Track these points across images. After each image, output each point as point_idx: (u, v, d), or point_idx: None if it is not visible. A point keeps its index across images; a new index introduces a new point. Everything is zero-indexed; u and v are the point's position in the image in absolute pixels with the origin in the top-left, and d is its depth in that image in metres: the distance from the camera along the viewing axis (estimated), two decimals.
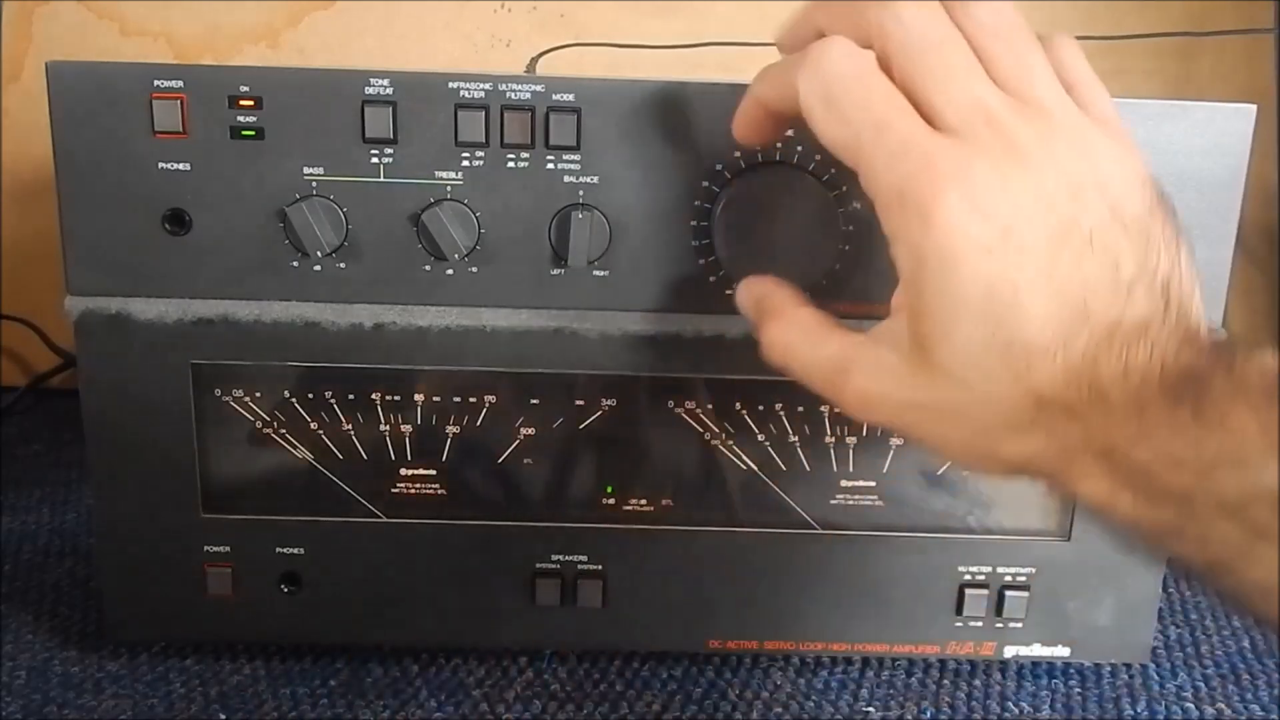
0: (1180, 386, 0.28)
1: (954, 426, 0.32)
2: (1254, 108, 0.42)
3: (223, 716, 0.46)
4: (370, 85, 0.41)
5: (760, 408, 0.46)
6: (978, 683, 0.50)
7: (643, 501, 0.48)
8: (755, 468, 0.47)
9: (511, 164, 0.42)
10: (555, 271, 0.43)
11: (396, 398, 0.46)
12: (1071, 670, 0.51)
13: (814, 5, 0.35)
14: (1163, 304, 0.30)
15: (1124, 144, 0.33)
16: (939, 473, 0.48)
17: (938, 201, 0.30)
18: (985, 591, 0.48)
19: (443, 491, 0.47)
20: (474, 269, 0.43)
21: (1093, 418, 0.29)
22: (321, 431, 0.47)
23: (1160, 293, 0.30)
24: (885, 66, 0.32)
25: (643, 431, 0.47)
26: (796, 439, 0.47)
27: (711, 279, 0.43)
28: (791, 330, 0.37)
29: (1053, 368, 0.30)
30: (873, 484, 0.48)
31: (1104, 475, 0.30)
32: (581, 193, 0.42)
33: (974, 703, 0.49)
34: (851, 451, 0.47)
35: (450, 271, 0.43)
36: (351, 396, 0.46)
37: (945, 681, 0.50)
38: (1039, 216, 0.30)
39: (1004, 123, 0.31)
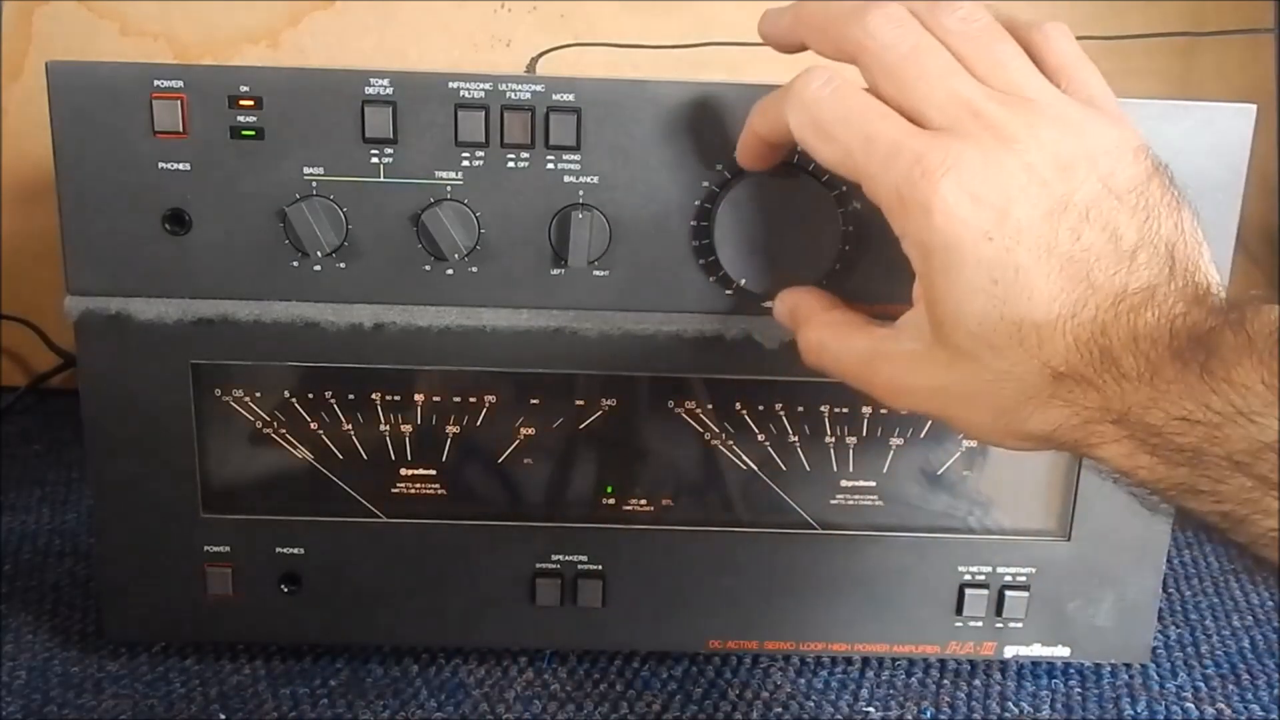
0: (1190, 347, 0.29)
1: (978, 407, 0.33)
2: (1254, 108, 0.42)
3: (223, 716, 0.46)
4: (370, 85, 0.41)
5: (760, 408, 0.46)
6: (978, 683, 0.50)
7: (643, 501, 0.48)
8: (755, 468, 0.47)
9: (511, 164, 0.42)
10: (555, 271, 0.43)
11: (396, 398, 0.46)
12: (1071, 670, 0.51)
13: (796, 20, 0.37)
14: (1168, 268, 0.31)
15: (1113, 119, 0.34)
16: (939, 473, 0.48)
17: (935, 194, 0.31)
18: (985, 591, 0.48)
19: (443, 491, 0.47)
20: (474, 269, 0.43)
21: (1107, 385, 0.30)
22: (321, 431, 0.47)
23: (1164, 257, 0.31)
24: (871, 81, 0.34)
25: (643, 431, 0.47)
26: (796, 439, 0.47)
27: (711, 279, 0.43)
28: (823, 331, 0.38)
29: (1063, 341, 0.31)
30: (873, 484, 0.48)
31: (1122, 440, 0.30)
32: (581, 193, 0.42)
33: (974, 703, 0.49)
34: (851, 451, 0.47)
35: (450, 271, 0.43)
36: (351, 396, 0.46)
37: (945, 681, 0.50)
38: (1032, 196, 0.31)
39: (987, 112, 0.32)
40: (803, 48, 0.37)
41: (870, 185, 0.33)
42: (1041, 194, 0.31)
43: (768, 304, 0.43)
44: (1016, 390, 0.32)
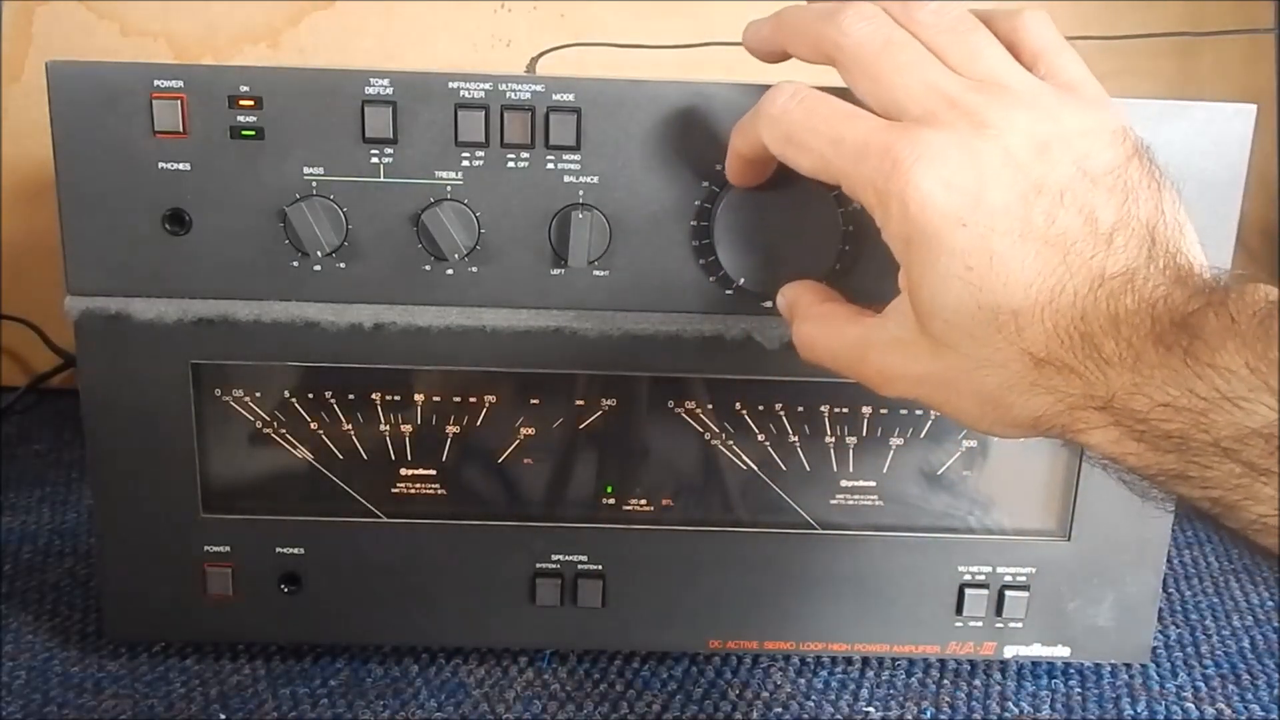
0: (1172, 331, 0.29)
1: (963, 394, 0.33)
2: (1254, 108, 0.42)
3: (223, 717, 0.46)
4: (370, 85, 0.41)
5: (760, 408, 0.46)
6: (978, 683, 0.50)
7: (643, 501, 0.48)
8: (755, 468, 0.47)
9: (511, 164, 0.42)
10: (555, 271, 0.43)
11: (396, 398, 0.46)
12: (1071, 670, 0.51)
13: (775, 28, 0.37)
14: (1147, 249, 0.31)
15: (1092, 102, 0.34)
16: (939, 473, 0.48)
17: (907, 184, 0.31)
18: (985, 591, 0.48)
19: (443, 491, 0.47)
20: (474, 269, 0.43)
21: (1089, 372, 0.30)
22: (321, 431, 0.47)
23: (1143, 239, 0.31)
24: (849, 79, 0.35)
25: (643, 431, 0.47)
26: (796, 439, 0.47)
27: (711, 279, 0.43)
28: (815, 324, 0.38)
29: (1042, 327, 0.31)
30: (873, 484, 0.48)
31: (1109, 427, 0.30)
32: (581, 193, 0.42)
33: (974, 703, 0.49)
34: (851, 451, 0.47)
35: (450, 271, 0.43)
36: (351, 396, 0.46)
37: (945, 681, 0.50)
38: (1006, 181, 0.31)
39: (961, 100, 0.32)
40: (785, 55, 0.38)
41: (848, 185, 0.34)
42: (1015, 178, 0.31)
43: (768, 304, 0.43)
44: (999, 378, 0.32)
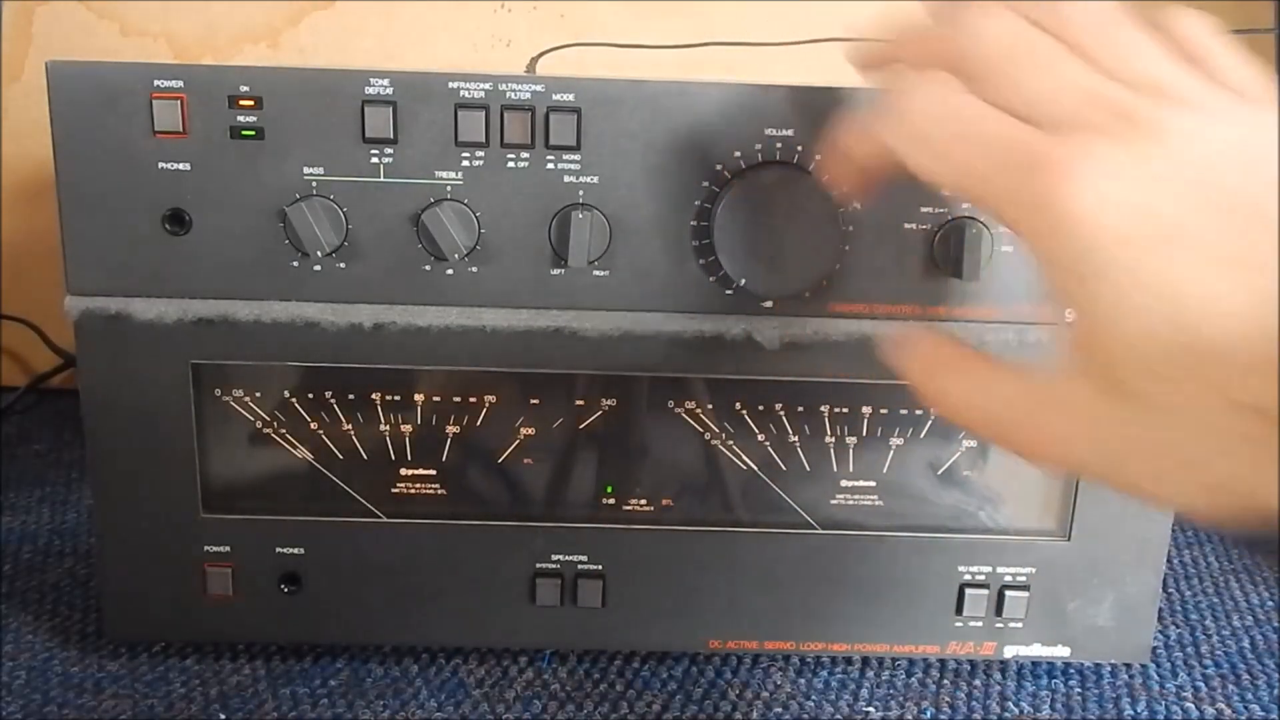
0: None
1: (1150, 456, 0.28)
2: None
3: (223, 717, 0.46)
4: (370, 85, 0.41)
5: (760, 408, 0.46)
6: (978, 683, 0.50)
7: (643, 501, 0.48)
8: (755, 468, 0.47)
9: (511, 164, 0.42)
10: (555, 271, 0.43)
11: (396, 398, 0.46)
12: (1071, 670, 0.51)
13: (896, 39, 0.33)
14: None
15: (1268, 108, 0.28)
16: (939, 473, 0.48)
17: (1068, 200, 0.26)
18: (985, 591, 0.48)
19: (443, 491, 0.47)
20: (474, 269, 0.43)
21: None
22: (321, 431, 0.47)
23: None
24: (975, 87, 0.30)
25: (643, 431, 0.47)
26: (796, 439, 0.47)
27: (711, 279, 0.43)
28: (957, 381, 0.32)
29: (1246, 364, 0.25)
30: (873, 484, 0.48)
31: None
32: (581, 193, 0.42)
33: (974, 703, 0.49)
34: (851, 451, 0.47)
35: (450, 271, 0.43)
36: (351, 396, 0.46)
37: (945, 681, 0.50)
38: (1183, 192, 0.26)
39: (1120, 103, 0.27)
40: (888, 63, 0.34)
41: (995, 204, 0.29)
42: (1191, 190, 0.26)
43: (768, 304, 0.43)
44: (1194, 428, 0.26)
